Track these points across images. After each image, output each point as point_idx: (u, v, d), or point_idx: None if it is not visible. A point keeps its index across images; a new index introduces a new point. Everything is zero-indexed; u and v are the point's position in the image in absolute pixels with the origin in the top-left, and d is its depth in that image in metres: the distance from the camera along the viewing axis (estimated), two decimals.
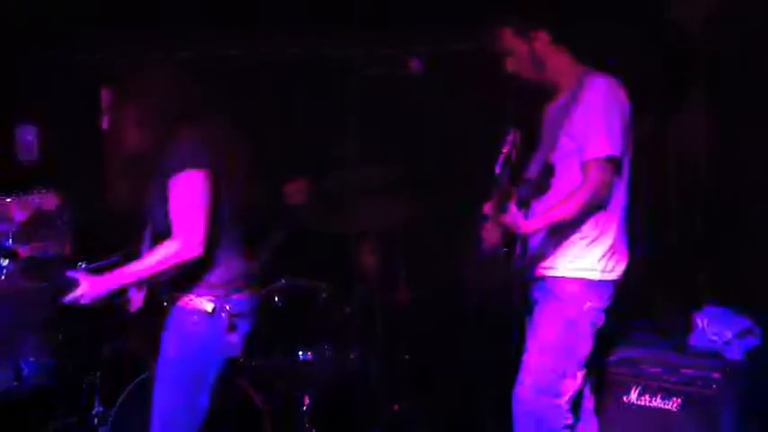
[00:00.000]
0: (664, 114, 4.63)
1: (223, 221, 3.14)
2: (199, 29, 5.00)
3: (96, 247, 4.22)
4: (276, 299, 4.47)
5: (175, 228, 3.05)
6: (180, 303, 3.17)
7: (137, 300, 3.34)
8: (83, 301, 3.09)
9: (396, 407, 4.54)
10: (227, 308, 3.15)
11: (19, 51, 4.89)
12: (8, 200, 3.73)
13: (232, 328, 3.16)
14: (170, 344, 3.20)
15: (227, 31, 5.07)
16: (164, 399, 3.18)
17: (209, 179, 3.08)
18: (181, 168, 3.05)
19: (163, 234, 3.12)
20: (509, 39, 3.43)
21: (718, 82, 4.53)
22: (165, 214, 3.09)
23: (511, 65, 3.46)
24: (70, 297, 3.09)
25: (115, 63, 3.84)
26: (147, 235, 3.31)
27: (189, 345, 3.15)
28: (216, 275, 3.14)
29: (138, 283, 3.24)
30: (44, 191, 3.73)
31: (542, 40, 3.40)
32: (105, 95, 3.28)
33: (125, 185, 3.20)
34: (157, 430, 3.18)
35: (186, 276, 3.15)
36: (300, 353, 4.40)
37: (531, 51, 3.40)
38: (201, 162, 3.08)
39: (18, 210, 3.74)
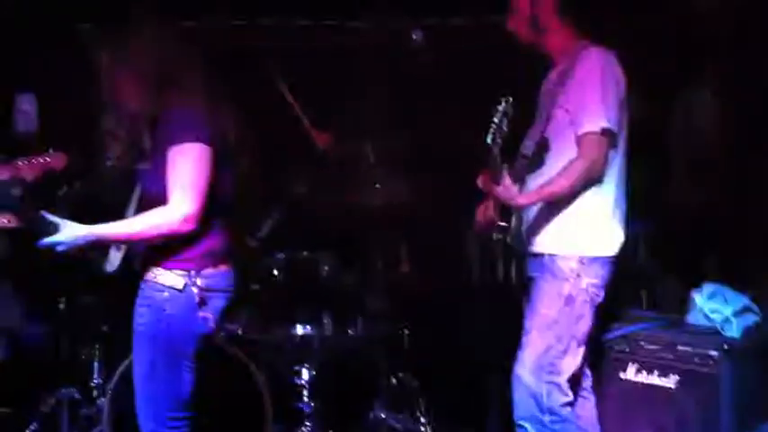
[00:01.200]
0: (671, 92, 4.59)
1: (210, 198, 3.06)
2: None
3: (91, 216, 4.23)
4: (276, 272, 4.47)
5: (173, 198, 2.98)
6: (151, 276, 3.10)
7: (114, 259, 3.25)
8: (59, 248, 2.99)
9: (395, 380, 4.55)
10: (198, 283, 3.10)
11: (17, 24, 4.87)
12: (18, 162, 3.74)
13: (203, 303, 3.10)
14: (142, 319, 3.11)
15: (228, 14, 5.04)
16: (142, 375, 3.13)
17: (211, 153, 3.07)
18: (184, 139, 3.00)
19: (152, 200, 3.07)
20: None
21: (730, 63, 4.49)
22: (158, 181, 3.03)
23: (512, 23, 3.44)
24: (48, 240, 2.98)
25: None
26: (134, 198, 3.27)
27: (160, 320, 3.06)
28: (189, 250, 3.07)
29: (120, 243, 3.15)
30: (53, 152, 3.74)
31: (547, 6, 3.37)
32: (104, 57, 3.24)
33: (119, 148, 3.17)
34: (141, 406, 3.14)
35: (159, 249, 3.08)
36: (300, 326, 4.41)
37: (534, 14, 3.38)
38: (205, 135, 3.04)
39: (28, 171, 3.75)
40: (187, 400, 3.15)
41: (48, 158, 3.77)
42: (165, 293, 3.07)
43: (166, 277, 3.07)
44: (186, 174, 3.00)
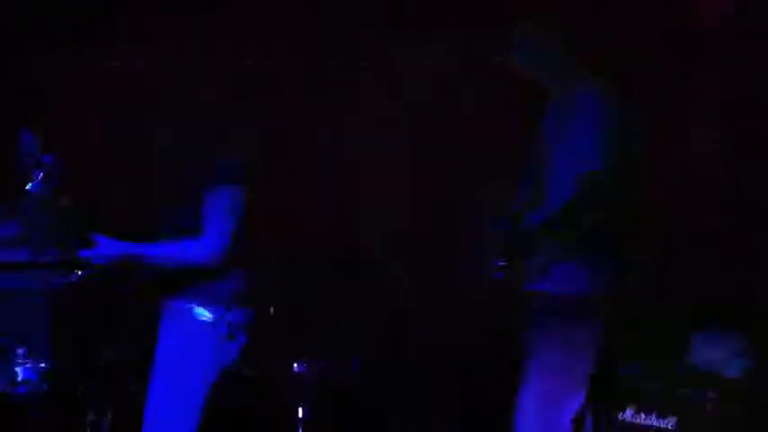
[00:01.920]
0: (673, 116, 4.61)
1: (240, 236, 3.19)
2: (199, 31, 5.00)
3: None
4: (272, 309, 4.47)
5: (209, 232, 3.11)
6: (181, 310, 3.20)
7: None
8: (96, 261, 3.17)
9: (390, 419, 4.54)
10: (228, 318, 3.16)
11: (21, 53, 4.90)
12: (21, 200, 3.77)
13: (232, 337, 3.18)
14: (168, 350, 3.21)
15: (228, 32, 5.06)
16: (158, 403, 3.19)
17: (245, 194, 3.14)
18: (226, 179, 3.12)
19: (182, 230, 3.18)
20: (525, 26, 3.41)
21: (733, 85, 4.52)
22: (193, 213, 3.14)
23: (515, 52, 3.44)
24: (87, 251, 3.16)
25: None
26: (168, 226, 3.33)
27: (187, 353, 3.16)
28: (221, 286, 3.16)
29: (151, 261, 3.23)
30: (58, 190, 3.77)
31: (555, 34, 3.39)
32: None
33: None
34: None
35: (192, 283, 3.18)
36: (296, 364, 4.40)
37: (540, 45, 3.39)
38: (243, 176, 3.13)
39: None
40: (197, 429, 3.18)
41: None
42: (196, 326, 3.13)
43: (198, 311, 3.14)
44: (223, 212, 3.14)
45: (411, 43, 4.95)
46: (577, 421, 3.41)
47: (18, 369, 4.02)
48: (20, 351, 3.98)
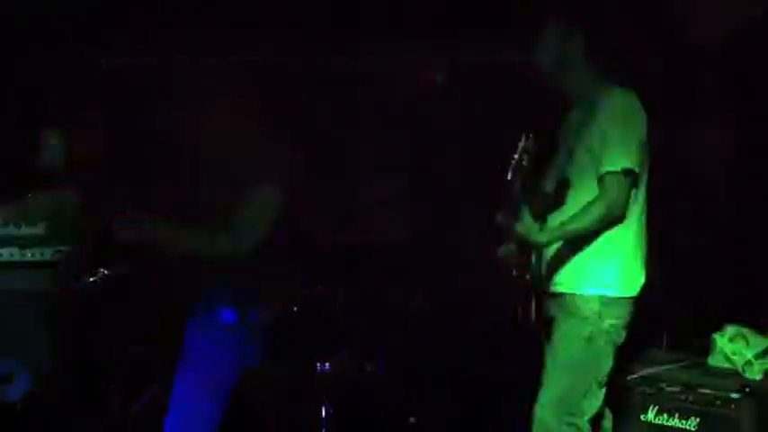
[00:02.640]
0: (685, 125, 4.60)
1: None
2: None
3: (112, 251, 4.29)
4: (294, 309, 4.49)
5: (239, 227, 3.19)
6: (203, 312, 3.23)
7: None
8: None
9: (412, 419, 4.54)
10: (249, 320, 3.19)
11: (36, 53, 4.95)
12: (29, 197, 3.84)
13: (252, 339, 3.21)
14: (191, 352, 3.25)
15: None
16: (180, 404, 3.23)
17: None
18: (254, 181, 3.18)
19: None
20: (548, 28, 3.41)
21: (742, 94, 4.50)
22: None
23: (538, 54, 3.43)
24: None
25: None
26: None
27: (209, 354, 3.19)
28: (242, 288, 3.19)
29: (179, 244, 3.24)
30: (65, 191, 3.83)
31: (577, 45, 3.39)
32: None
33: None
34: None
35: (214, 284, 3.22)
36: (318, 364, 4.42)
37: (561, 50, 3.39)
38: (270, 177, 3.17)
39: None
40: (216, 429, 3.22)
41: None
42: (219, 326, 3.18)
43: (224, 311, 3.17)
44: (255, 214, 3.21)
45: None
46: (598, 422, 3.41)
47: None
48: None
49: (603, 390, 3.35)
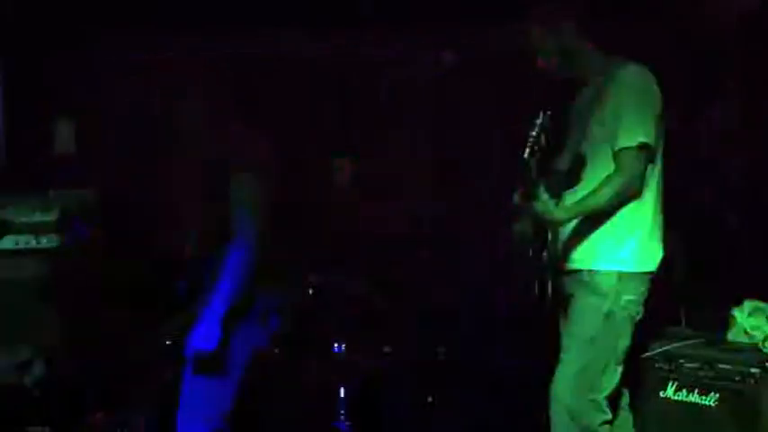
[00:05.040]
0: (698, 107, 4.58)
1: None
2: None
3: (126, 239, 4.32)
4: (310, 292, 4.50)
5: (240, 229, 3.12)
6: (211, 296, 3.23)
7: None
8: None
9: (429, 399, 4.55)
10: (261, 301, 3.19)
11: (49, 44, 4.96)
12: (50, 193, 3.86)
13: (263, 322, 3.20)
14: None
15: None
16: (193, 387, 3.24)
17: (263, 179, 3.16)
18: (243, 168, 3.14)
19: (211, 232, 3.22)
20: (537, 35, 3.40)
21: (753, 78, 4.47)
22: (218, 212, 3.18)
23: (541, 62, 3.43)
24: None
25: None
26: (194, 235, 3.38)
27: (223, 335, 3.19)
28: (252, 271, 3.18)
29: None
30: (82, 183, 3.85)
31: (570, 32, 3.36)
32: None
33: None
34: (185, 418, 3.25)
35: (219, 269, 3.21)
36: (335, 345, 4.42)
37: (559, 46, 3.37)
38: (258, 162, 3.15)
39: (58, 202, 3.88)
40: (229, 412, 3.22)
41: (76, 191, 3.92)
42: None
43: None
44: (246, 202, 3.14)
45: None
46: (616, 399, 3.40)
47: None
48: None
49: (621, 366, 3.34)
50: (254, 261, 3.11)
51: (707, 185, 4.57)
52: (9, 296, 4.18)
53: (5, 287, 4.21)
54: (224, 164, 3.18)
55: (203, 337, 3.10)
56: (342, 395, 4.33)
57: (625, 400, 3.52)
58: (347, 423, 4.29)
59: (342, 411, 4.31)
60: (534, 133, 3.09)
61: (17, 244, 4.23)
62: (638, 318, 3.33)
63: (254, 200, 3.14)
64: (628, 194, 3.23)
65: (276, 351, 4.31)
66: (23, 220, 4.27)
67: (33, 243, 4.24)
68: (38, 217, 4.23)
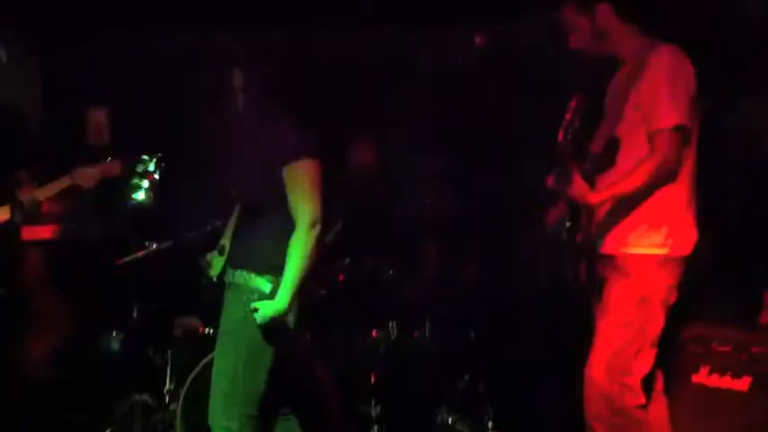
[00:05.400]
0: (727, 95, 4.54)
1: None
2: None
3: (155, 228, 4.37)
4: (341, 278, 4.51)
5: (303, 214, 3.21)
6: (241, 281, 3.26)
7: (217, 265, 3.44)
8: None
9: (460, 385, 4.56)
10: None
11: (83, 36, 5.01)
12: (76, 170, 3.92)
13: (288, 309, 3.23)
14: (230, 319, 3.28)
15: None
16: (224, 372, 3.28)
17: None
18: (303, 155, 3.22)
19: (253, 209, 3.29)
20: (572, 16, 3.39)
21: None
22: (263, 192, 3.26)
23: (575, 42, 3.42)
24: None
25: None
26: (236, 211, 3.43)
27: (248, 321, 3.21)
28: (277, 256, 3.21)
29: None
30: (109, 160, 3.91)
31: (604, 12, 3.35)
32: (236, 77, 3.40)
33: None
34: (217, 404, 3.28)
35: (249, 254, 3.26)
36: (366, 331, 4.44)
37: (593, 26, 3.36)
38: (318, 150, 3.24)
39: (85, 179, 3.93)
40: (262, 397, 3.24)
41: (104, 166, 3.97)
42: (255, 296, 3.22)
43: (256, 281, 3.22)
44: (309, 188, 3.23)
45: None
46: (649, 382, 3.40)
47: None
48: None
49: (655, 350, 3.34)
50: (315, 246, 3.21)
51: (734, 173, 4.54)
52: None
53: None
54: (278, 155, 3.24)
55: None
56: (372, 380, 4.35)
57: (660, 383, 3.51)
58: (377, 409, 4.31)
59: (372, 397, 4.33)
60: (569, 116, 3.10)
61: None
62: (671, 301, 3.32)
63: (312, 187, 3.22)
64: (662, 177, 3.22)
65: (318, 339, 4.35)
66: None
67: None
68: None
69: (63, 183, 4.02)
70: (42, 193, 4.05)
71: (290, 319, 3.26)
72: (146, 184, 3.65)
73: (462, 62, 5.33)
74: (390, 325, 4.49)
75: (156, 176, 3.68)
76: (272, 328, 3.21)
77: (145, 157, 3.70)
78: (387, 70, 5.34)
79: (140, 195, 3.65)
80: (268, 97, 3.36)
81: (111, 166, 4.03)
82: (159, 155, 3.75)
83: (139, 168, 3.69)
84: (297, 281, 3.18)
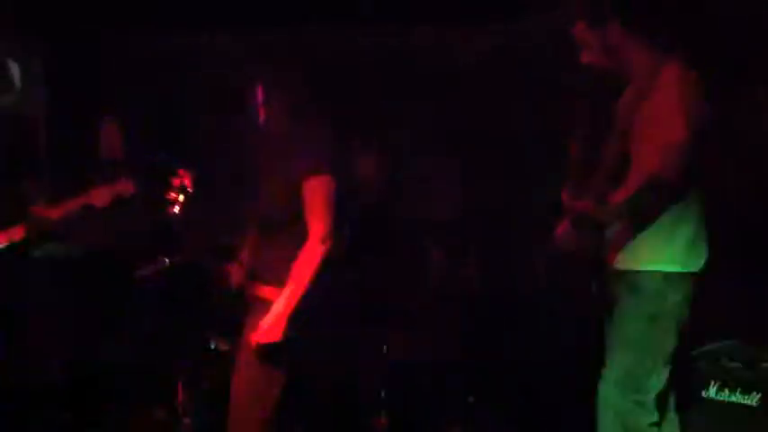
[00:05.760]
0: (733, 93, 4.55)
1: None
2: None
3: (173, 243, 4.38)
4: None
5: (316, 229, 3.27)
6: (261, 293, 3.30)
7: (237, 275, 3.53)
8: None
9: (471, 398, 4.57)
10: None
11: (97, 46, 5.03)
12: (90, 190, 3.95)
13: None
14: (252, 333, 3.32)
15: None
16: (246, 380, 3.36)
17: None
18: (319, 171, 3.29)
19: (271, 223, 3.33)
20: (583, 32, 3.42)
21: None
22: (282, 207, 3.31)
23: (586, 57, 3.44)
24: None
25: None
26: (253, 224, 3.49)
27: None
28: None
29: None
30: (123, 180, 3.94)
31: (615, 29, 3.37)
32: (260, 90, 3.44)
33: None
34: (243, 402, 3.35)
35: (270, 269, 3.31)
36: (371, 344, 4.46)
37: (605, 42, 3.38)
38: (333, 165, 3.30)
39: (99, 198, 3.97)
40: (277, 408, 3.31)
41: (118, 186, 4.01)
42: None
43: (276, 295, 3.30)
44: (323, 203, 3.30)
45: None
46: (664, 400, 3.41)
47: None
48: None
49: (669, 367, 3.34)
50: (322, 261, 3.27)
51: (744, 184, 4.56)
52: None
53: None
54: (297, 169, 3.29)
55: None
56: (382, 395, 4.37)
57: (673, 401, 3.50)
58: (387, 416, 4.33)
59: (381, 410, 4.35)
60: (580, 131, 3.12)
61: None
62: (683, 318, 3.32)
63: (328, 202, 3.26)
64: (672, 193, 3.22)
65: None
66: None
67: None
68: None
69: (78, 202, 4.06)
70: (56, 212, 4.08)
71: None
72: (182, 198, 3.69)
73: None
74: (396, 338, 4.50)
75: (190, 191, 3.73)
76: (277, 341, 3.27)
77: (181, 171, 3.74)
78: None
79: (176, 209, 3.69)
80: (299, 103, 3.40)
81: (125, 186, 4.09)
82: (195, 170, 3.80)
83: (175, 182, 3.73)
84: (300, 291, 3.24)
